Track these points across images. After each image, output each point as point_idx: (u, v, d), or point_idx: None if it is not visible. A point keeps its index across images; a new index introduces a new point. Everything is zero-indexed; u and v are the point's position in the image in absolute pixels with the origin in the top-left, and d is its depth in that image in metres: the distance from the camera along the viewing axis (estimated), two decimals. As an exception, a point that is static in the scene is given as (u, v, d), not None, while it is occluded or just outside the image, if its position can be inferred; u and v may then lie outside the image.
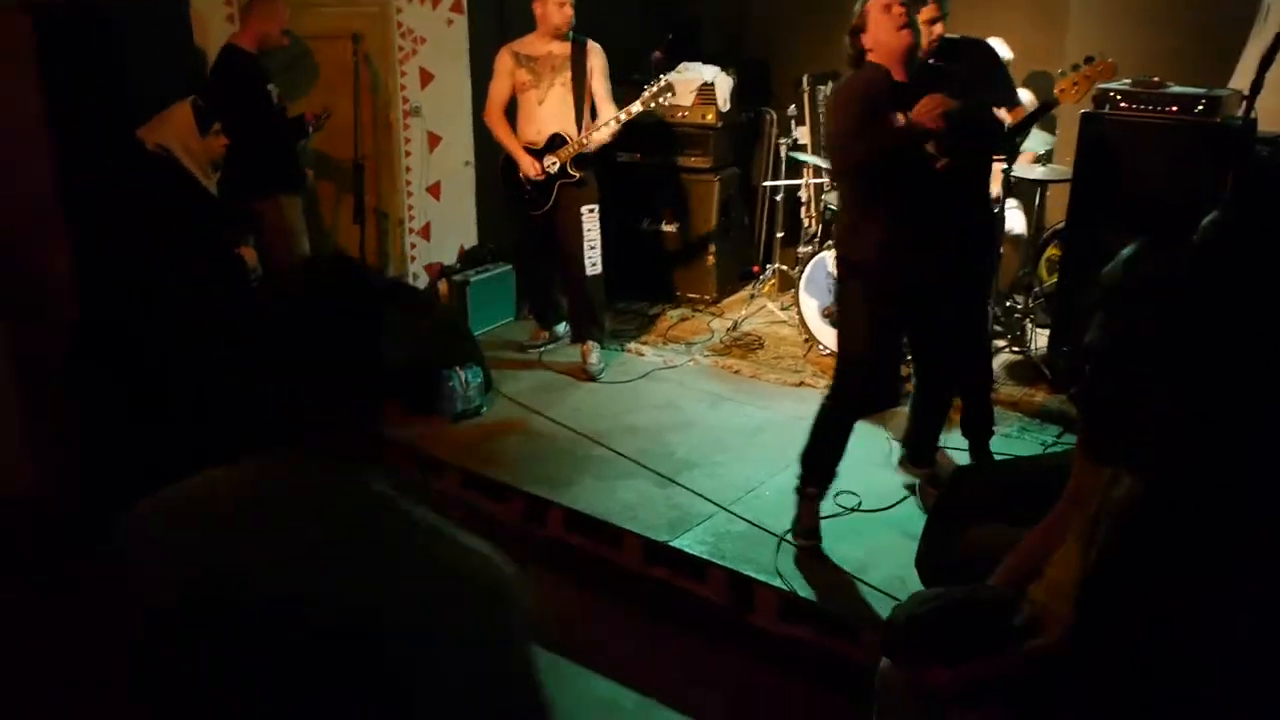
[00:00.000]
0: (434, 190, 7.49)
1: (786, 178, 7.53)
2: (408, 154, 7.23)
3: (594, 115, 6.26)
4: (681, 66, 7.49)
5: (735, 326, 7.16)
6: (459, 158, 7.63)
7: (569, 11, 5.97)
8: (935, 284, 4.33)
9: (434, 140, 7.44)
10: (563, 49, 6.11)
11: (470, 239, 7.79)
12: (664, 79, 6.04)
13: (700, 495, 5.04)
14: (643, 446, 5.52)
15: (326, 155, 6.68)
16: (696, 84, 7.57)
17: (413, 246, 7.42)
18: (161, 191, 4.80)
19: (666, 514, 4.91)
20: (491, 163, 6.70)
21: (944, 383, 4.78)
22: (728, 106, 7.72)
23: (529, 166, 6.22)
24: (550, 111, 6.20)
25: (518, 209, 6.46)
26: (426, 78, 7.29)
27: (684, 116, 7.64)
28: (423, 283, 7.22)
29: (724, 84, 7.71)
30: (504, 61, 6.30)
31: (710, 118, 7.65)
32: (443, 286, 7.14)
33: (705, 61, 7.78)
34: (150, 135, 4.88)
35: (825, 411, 4.46)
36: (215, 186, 5.08)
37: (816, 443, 4.48)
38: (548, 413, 5.91)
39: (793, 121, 7.69)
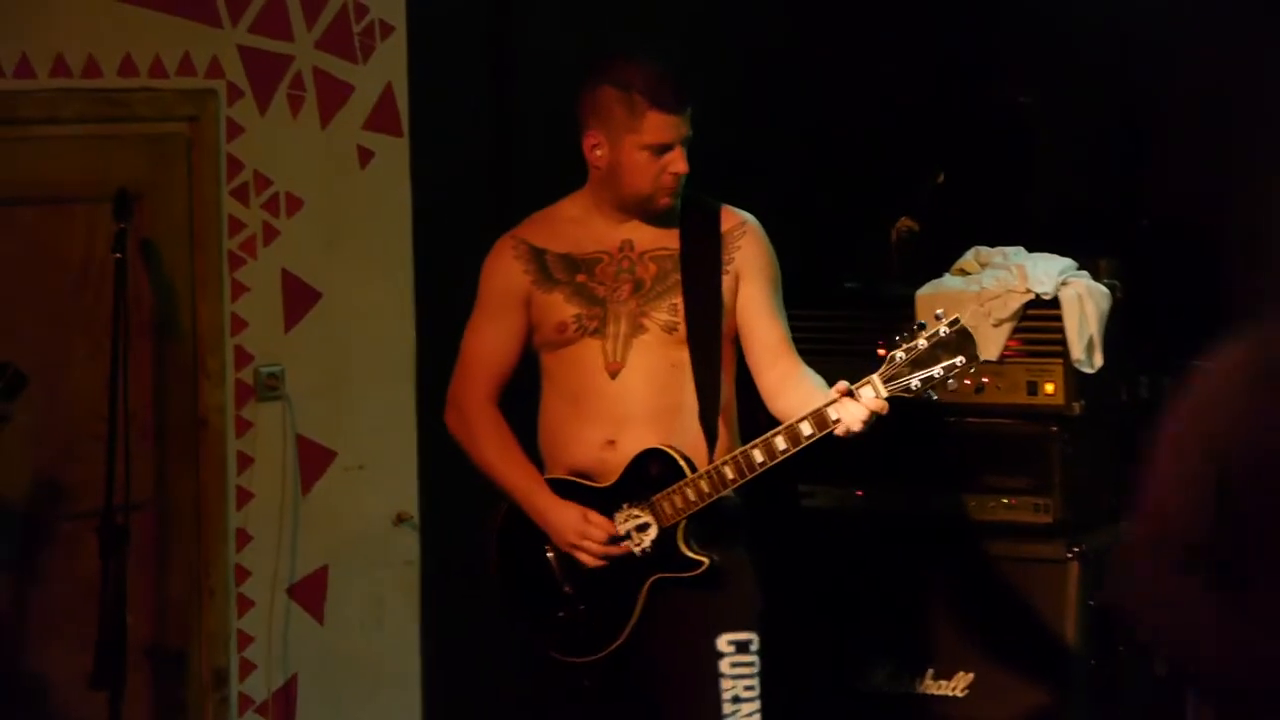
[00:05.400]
0: (308, 591, 4.54)
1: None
2: (244, 497, 4.42)
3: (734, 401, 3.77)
4: (976, 256, 4.44)
5: None
6: (381, 505, 4.60)
7: (681, 165, 3.42)
8: None
9: (316, 459, 4.54)
10: (660, 239, 3.69)
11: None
12: (943, 320, 3.26)
13: None
14: None
15: (41, 496, 4.36)
16: (1010, 304, 4.44)
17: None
18: None
19: None
20: (463, 521, 4.16)
21: None
22: (1096, 364, 4.53)
23: (575, 529, 3.57)
24: (638, 394, 3.65)
25: (536, 649, 3.74)
26: (300, 298, 4.58)
27: (977, 388, 4.54)
28: None
29: (1089, 304, 4.53)
30: (508, 269, 3.73)
31: (1052, 390, 4.52)
32: None
33: (1041, 238, 4.64)
34: None
35: None
36: None
37: None
38: None
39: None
